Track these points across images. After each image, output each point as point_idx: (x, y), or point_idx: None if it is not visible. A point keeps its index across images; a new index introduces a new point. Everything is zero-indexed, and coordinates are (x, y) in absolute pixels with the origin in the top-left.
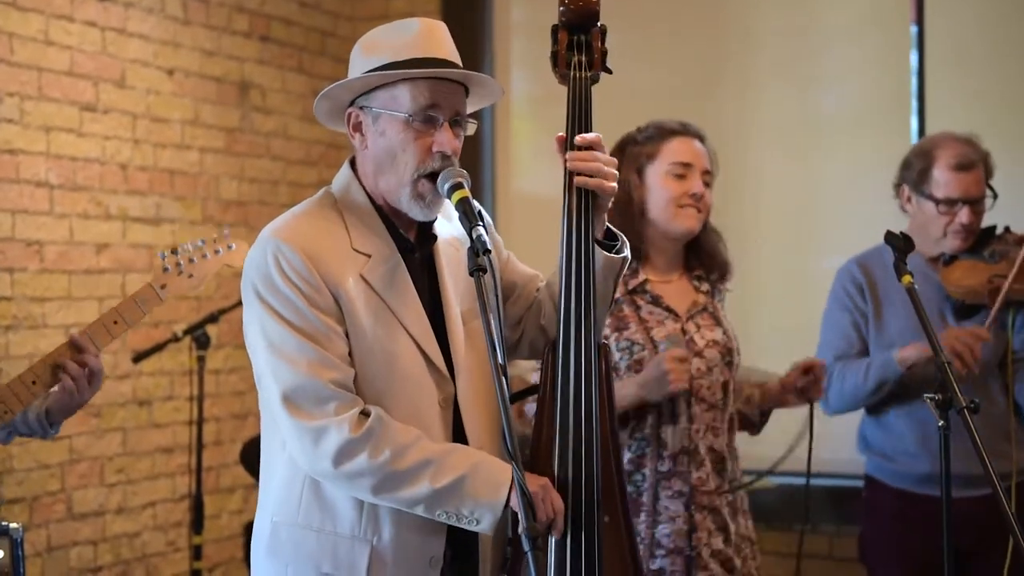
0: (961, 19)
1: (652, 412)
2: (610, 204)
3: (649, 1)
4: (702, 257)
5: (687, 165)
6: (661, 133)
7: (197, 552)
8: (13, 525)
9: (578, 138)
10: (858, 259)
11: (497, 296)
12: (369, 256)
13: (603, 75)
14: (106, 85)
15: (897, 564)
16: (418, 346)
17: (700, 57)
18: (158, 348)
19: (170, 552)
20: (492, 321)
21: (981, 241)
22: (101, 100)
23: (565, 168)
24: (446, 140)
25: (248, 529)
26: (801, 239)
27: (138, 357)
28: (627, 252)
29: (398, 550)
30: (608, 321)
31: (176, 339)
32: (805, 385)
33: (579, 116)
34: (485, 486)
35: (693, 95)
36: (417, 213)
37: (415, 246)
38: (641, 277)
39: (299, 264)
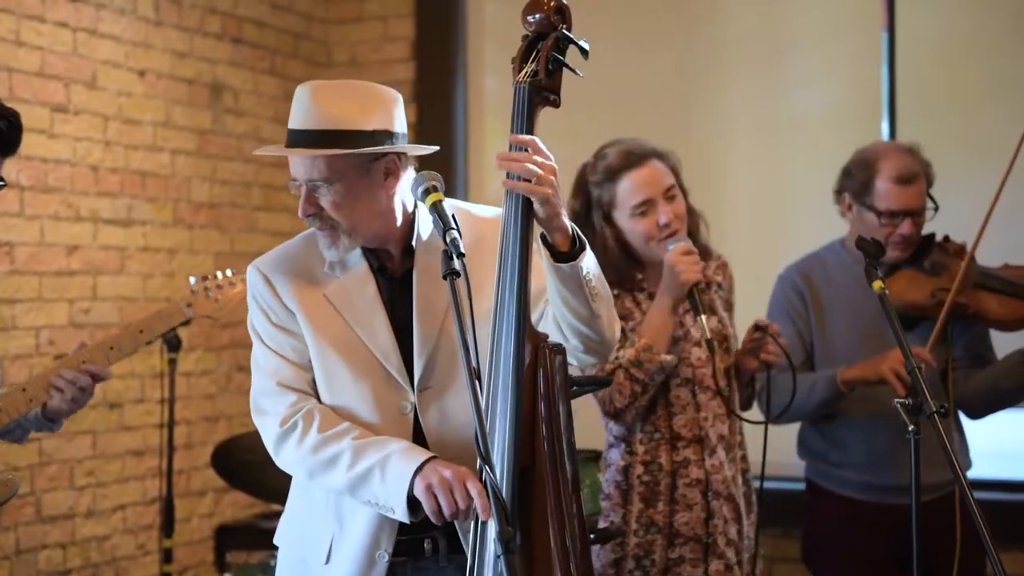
0: (932, 25)
1: (661, 403)
2: (550, 209)
3: (622, 2)
4: None
5: (646, 201)
6: (610, 175)
7: (167, 555)
8: None
9: (510, 137)
10: (798, 267)
11: (470, 299)
12: (338, 277)
13: (578, 79)
14: (77, 86)
15: (842, 566)
16: (377, 359)
17: (673, 59)
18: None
19: (140, 555)
20: (465, 325)
21: (921, 249)
22: (72, 101)
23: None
24: (301, 206)
25: (218, 532)
26: (770, 241)
27: None
28: (583, 263)
29: (352, 540)
30: None
31: (147, 341)
32: (754, 344)
33: (516, 126)
34: (392, 477)
35: (665, 96)
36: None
37: (388, 266)
38: (638, 276)
39: (261, 287)
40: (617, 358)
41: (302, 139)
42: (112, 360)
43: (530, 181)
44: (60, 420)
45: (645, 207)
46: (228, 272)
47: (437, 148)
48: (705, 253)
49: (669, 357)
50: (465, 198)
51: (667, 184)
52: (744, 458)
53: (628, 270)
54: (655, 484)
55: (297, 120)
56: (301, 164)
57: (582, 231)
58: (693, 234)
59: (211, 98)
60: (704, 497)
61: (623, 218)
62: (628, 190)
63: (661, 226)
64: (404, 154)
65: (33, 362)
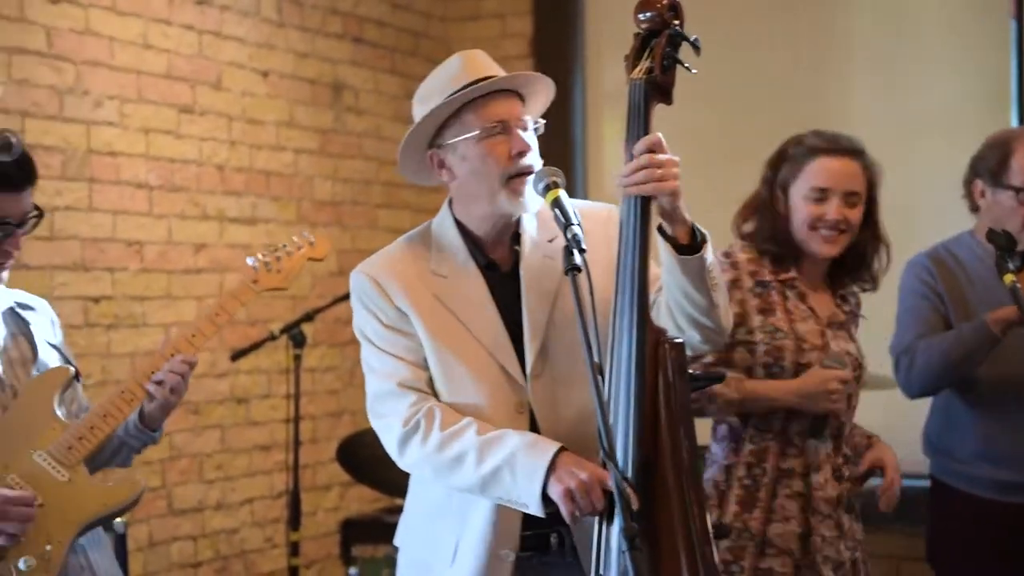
0: None
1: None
2: (676, 202)
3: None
4: (847, 273)
5: (824, 190)
6: (808, 151)
7: (295, 548)
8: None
9: (635, 149)
10: (927, 254)
11: (592, 294)
12: (445, 277)
13: (692, 74)
14: (203, 87)
15: (970, 568)
16: (491, 355)
17: (797, 52)
18: (255, 347)
19: (268, 548)
20: (587, 320)
21: None
22: (198, 102)
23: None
24: (518, 142)
25: (344, 526)
26: (899, 233)
27: (236, 355)
28: (707, 254)
29: (475, 538)
30: (755, 302)
31: (273, 338)
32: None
33: (631, 123)
34: (523, 474)
35: (790, 91)
36: (519, 209)
37: (498, 264)
38: (792, 273)
39: (369, 291)
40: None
41: (503, 82)
42: (197, 347)
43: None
44: (160, 429)
45: (821, 195)
46: (283, 244)
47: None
48: (870, 281)
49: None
50: (584, 195)
51: (853, 188)
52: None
53: (785, 254)
54: (755, 489)
55: (483, 70)
56: (510, 104)
57: (762, 196)
58: (866, 258)
59: (332, 97)
60: (804, 512)
61: (797, 195)
62: (814, 171)
63: (827, 220)
64: None
65: None
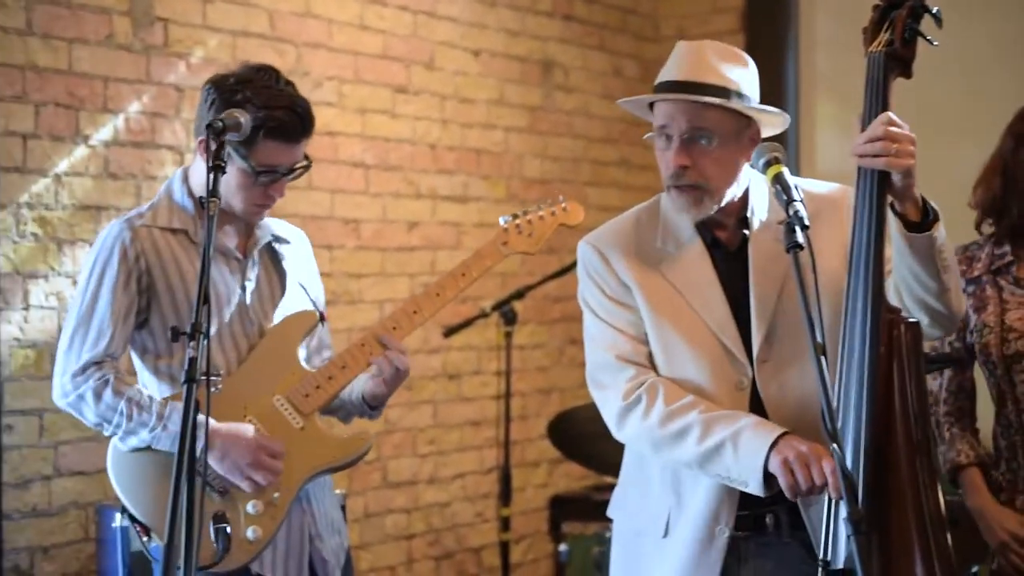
0: None
1: (1008, 396)
2: (909, 179)
3: None
4: None
5: None
6: None
7: (505, 523)
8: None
9: (878, 122)
10: None
11: (814, 272)
12: (671, 253)
13: (927, 50)
14: (417, 67)
15: None
16: (714, 334)
17: None
18: (467, 323)
19: (479, 523)
20: (810, 299)
21: None
22: (412, 82)
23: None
24: (671, 156)
25: (552, 503)
26: None
27: (448, 331)
28: (937, 232)
29: (691, 514)
30: (969, 301)
31: (484, 315)
32: None
33: (870, 96)
34: (746, 450)
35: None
36: (691, 215)
37: (724, 242)
38: (1008, 257)
39: (594, 262)
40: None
41: (686, 89)
42: (439, 306)
43: (891, 155)
44: (380, 408)
45: None
46: (536, 207)
47: (787, 121)
48: None
49: None
50: (796, 174)
51: None
52: None
53: (1006, 203)
54: (1014, 482)
55: (680, 71)
56: (683, 112)
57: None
58: None
59: (542, 75)
60: None
61: None
62: None
63: None
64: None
65: None
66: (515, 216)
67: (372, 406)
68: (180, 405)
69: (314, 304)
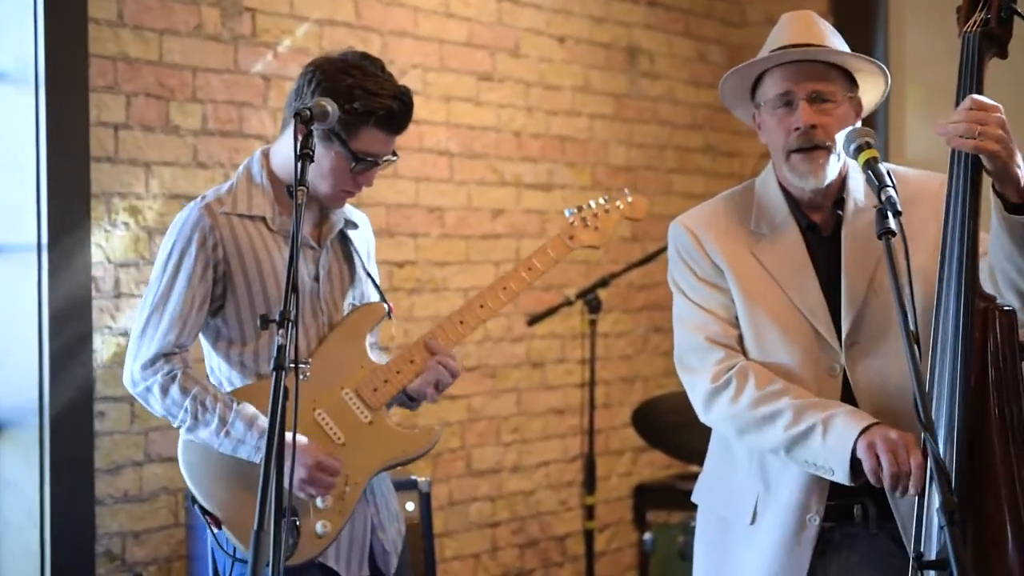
0: None
1: None
2: (1003, 161)
3: None
4: None
5: None
6: None
7: (589, 512)
8: (422, 479)
9: (963, 104)
10: None
11: (907, 258)
12: (764, 236)
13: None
14: (501, 55)
15: None
16: (806, 318)
17: None
18: (551, 311)
19: (563, 511)
20: (903, 286)
21: None
22: (497, 69)
23: None
24: (800, 116)
25: (637, 491)
26: None
27: (532, 320)
28: None
29: (780, 501)
30: None
31: (568, 303)
32: None
33: (964, 77)
34: (835, 437)
35: None
36: (808, 183)
37: (819, 226)
38: None
39: (687, 243)
40: None
41: (798, 53)
42: (506, 300)
43: (975, 138)
44: (418, 402)
45: None
46: (601, 200)
47: (886, 91)
48: None
49: None
50: (885, 159)
51: None
52: None
53: None
54: None
55: (795, 36)
56: (806, 74)
57: None
58: None
59: (627, 62)
60: None
61: None
62: None
63: None
64: None
65: None
66: (580, 208)
67: (412, 398)
68: (244, 409)
69: (382, 297)
